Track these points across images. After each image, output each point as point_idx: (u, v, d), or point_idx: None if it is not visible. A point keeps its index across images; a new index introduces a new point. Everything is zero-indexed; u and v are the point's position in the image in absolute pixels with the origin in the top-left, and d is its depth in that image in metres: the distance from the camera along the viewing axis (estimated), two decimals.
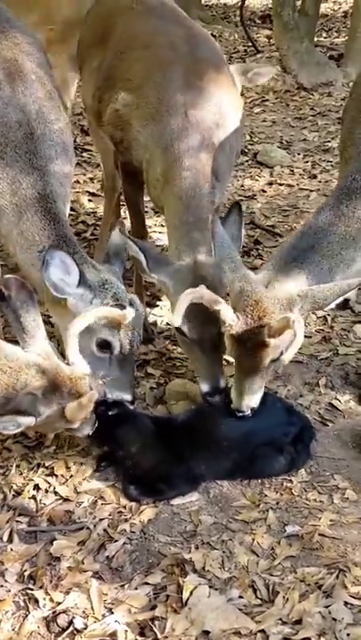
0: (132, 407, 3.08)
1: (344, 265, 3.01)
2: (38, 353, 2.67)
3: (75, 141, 6.36)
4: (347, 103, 3.80)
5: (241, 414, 2.97)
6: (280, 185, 5.94)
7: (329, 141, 7.02)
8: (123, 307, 2.94)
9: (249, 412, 2.97)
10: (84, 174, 5.97)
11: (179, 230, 3.25)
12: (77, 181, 5.77)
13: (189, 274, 3.11)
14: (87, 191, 5.69)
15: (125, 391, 3.06)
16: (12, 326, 2.76)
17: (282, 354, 2.82)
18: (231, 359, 3.07)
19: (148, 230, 4.18)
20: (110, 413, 2.97)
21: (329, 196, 3.23)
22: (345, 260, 3.00)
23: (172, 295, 3.15)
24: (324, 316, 4.18)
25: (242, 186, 5.91)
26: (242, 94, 4.26)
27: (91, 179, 5.93)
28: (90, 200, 5.58)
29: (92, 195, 5.66)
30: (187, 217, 3.24)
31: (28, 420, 2.59)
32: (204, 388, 3.12)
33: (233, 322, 2.81)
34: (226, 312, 2.82)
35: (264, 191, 5.93)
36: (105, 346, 2.99)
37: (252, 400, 2.96)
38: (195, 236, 3.20)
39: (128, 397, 3.06)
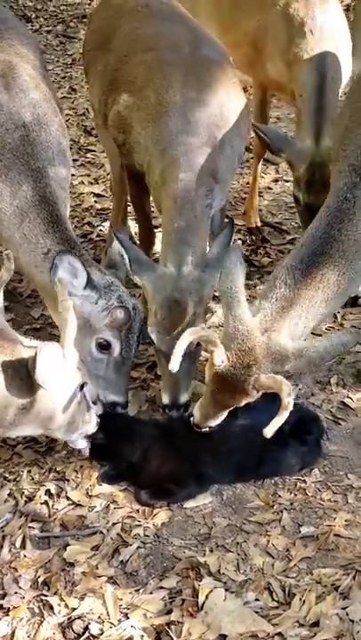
0: (123, 410, 3.11)
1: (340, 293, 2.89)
2: None
3: (78, 142, 6.35)
4: (341, 109, 3.52)
5: (198, 430, 2.92)
6: (286, 182, 5.86)
7: None
8: (126, 309, 2.94)
9: (207, 429, 2.91)
10: (89, 175, 5.93)
11: (170, 234, 3.15)
12: (82, 182, 5.74)
13: (169, 284, 3.03)
14: (92, 192, 5.66)
15: (119, 395, 3.08)
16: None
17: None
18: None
19: (156, 231, 4.15)
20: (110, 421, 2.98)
21: (317, 217, 2.97)
22: (341, 289, 2.87)
23: (150, 302, 3.08)
24: (334, 314, 4.14)
25: (247, 183, 5.84)
26: (245, 90, 4.18)
27: (95, 179, 5.90)
28: (95, 201, 5.55)
29: (98, 195, 5.63)
30: (179, 221, 3.13)
31: None
32: (164, 399, 3.11)
33: (223, 364, 2.73)
34: (218, 355, 2.72)
35: (270, 188, 5.88)
36: (105, 347, 2.99)
37: (213, 423, 2.89)
38: (184, 242, 3.10)
39: (121, 400, 3.07)
